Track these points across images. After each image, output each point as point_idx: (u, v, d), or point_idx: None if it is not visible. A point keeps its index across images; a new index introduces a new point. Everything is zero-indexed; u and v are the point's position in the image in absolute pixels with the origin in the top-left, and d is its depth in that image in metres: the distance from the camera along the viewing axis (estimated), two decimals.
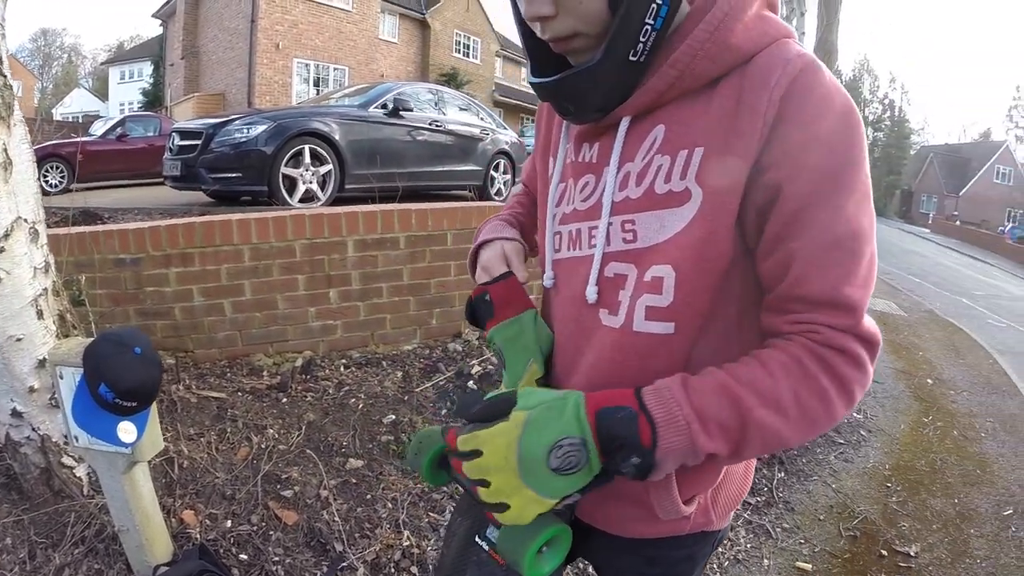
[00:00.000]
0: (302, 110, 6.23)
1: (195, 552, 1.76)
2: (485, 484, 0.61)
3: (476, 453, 0.61)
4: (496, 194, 8.33)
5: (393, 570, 1.88)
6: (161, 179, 6.45)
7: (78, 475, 1.89)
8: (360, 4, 20.43)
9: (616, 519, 0.82)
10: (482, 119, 8.42)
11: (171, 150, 5.99)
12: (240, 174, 5.46)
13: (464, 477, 0.64)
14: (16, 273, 1.77)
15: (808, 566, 2.50)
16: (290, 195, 5.68)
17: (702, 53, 0.64)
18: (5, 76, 1.75)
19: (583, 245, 0.76)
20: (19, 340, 1.76)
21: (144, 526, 1.64)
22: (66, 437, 1.81)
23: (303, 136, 5.77)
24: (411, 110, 7.06)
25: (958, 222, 32.68)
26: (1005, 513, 3.27)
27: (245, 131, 5.55)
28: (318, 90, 19.30)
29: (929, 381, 5.35)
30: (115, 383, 1.41)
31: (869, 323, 0.63)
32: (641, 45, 0.65)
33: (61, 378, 1.53)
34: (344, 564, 1.85)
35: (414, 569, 1.89)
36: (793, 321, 0.64)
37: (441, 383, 2.78)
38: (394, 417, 2.50)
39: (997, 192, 39.36)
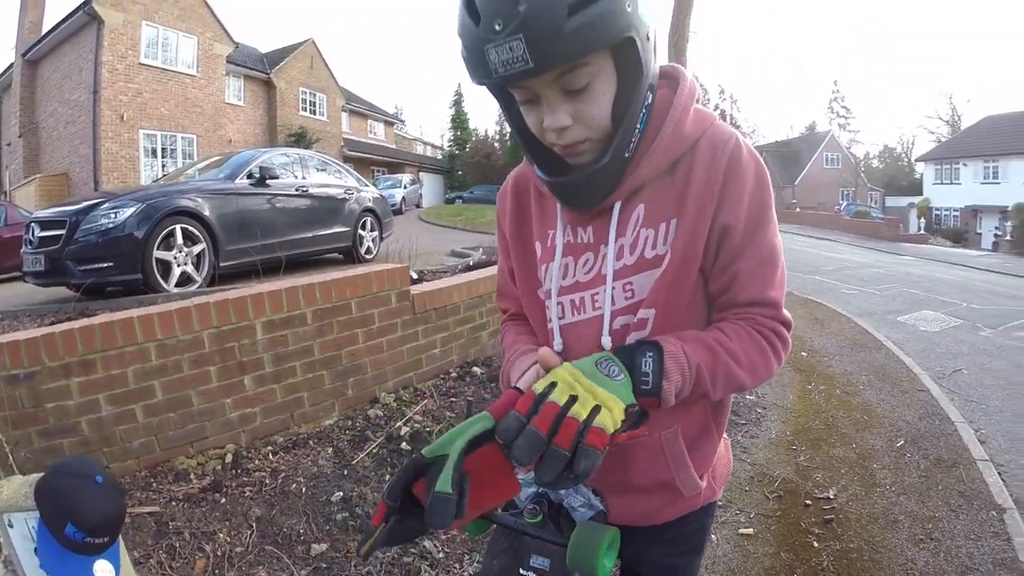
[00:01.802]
0: (167, 188, 5.94)
1: None
2: (572, 402, 0.72)
3: (551, 386, 0.74)
4: (366, 253, 8.25)
5: None
6: (8, 274, 5.85)
7: None
8: (205, 68, 19.68)
9: (646, 512, 0.98)
10: (344, 179, 8.35)
11: (31, 243, 5.46)
12: (111, 263, 5.08)
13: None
14: None
15: (750, 530, 2.81)
16: (165, 280, 5.36)
17: (670, 145, 0.87)
18: None
19: (587, 309, 0.94)
20: None
21: None
22: None
23: (173, 216, 5.48)
24: (277, 177, 6.92)
25: (798, 208, 36.04)
26: (898, 445, 3.80)
27: (112, 216, 5.16)
28: (163, 164, 18.27)
29: (804, 354, 5.93)
30: (84, 521, 1.27)
31: (786, 312, 0.91)
32: (632, 144, 0.85)
33: (11, 527, 1.34)
34: None
35: None
36: (736, 315, 0.90)
37: (375, 451, 2.76)
38: (341, 494, 2.46)
39: (828, 176, 44.04)
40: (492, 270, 4.35)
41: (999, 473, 3.42)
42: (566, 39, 0.71)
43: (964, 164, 33.40)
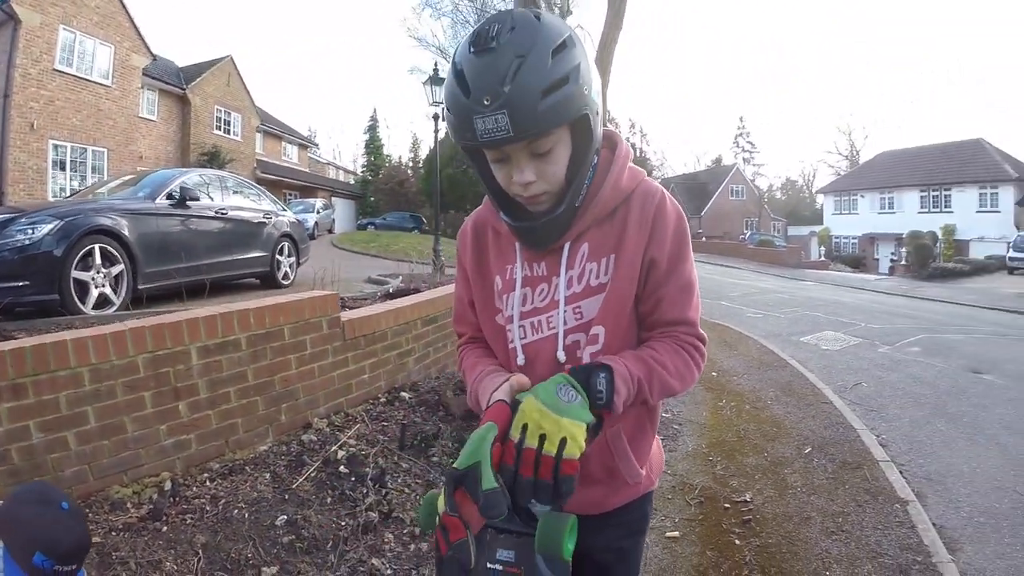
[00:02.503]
0: (84, 205, 5.67)
1: None
2: (542, 441, 0.89)
3: (523, 429, 0.90)
4: (283, 278, 8.16)
5: None
6: None
7: None
8: (120, 79, 18.64)
9: (595, 501, 1.16)
10: (261, 202, 8.22)
11: None
12: (28, 282, 4.78)
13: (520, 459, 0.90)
14: None
15: (676, 533, 3.05)
16: (82, 302, 5.11)
17: (610, 196, 1.09)
18: None
19: (544, 329, 1.13)
20: None
21: None
22: None
23: (92, 235, 5.25)
24: (197, 199, 6.74)
25: (704, 238, 37.90)
26: (806, 451, 4.14)
27: (29, 232, 4.89)
28: (71, 177, 17.23)
29: (714, 374, 6.34)
30: (52, 548, 1.25)
31: (701, 330, 1.12)
32: (581, 197, 1.07)
33: None
34: None
35: None
36: (662, 333, 1.10)
37: (313, 475, 2.77)
38: (285, 517, 2.46)
39: (733, 207, 46.60)
40: (417, 298, 4.41)
41: (900, 471, 3.80)
42: (539, 115, 0.92)
43: (862, 195, 36.29)
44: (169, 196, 6.40)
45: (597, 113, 1.01)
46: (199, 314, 2.88)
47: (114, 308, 5.39)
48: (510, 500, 0.91)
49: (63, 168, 17.25)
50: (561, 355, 1.10)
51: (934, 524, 3.12)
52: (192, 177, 7.09)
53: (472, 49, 0.94)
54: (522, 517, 1.09)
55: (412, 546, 2.49)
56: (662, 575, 2.66)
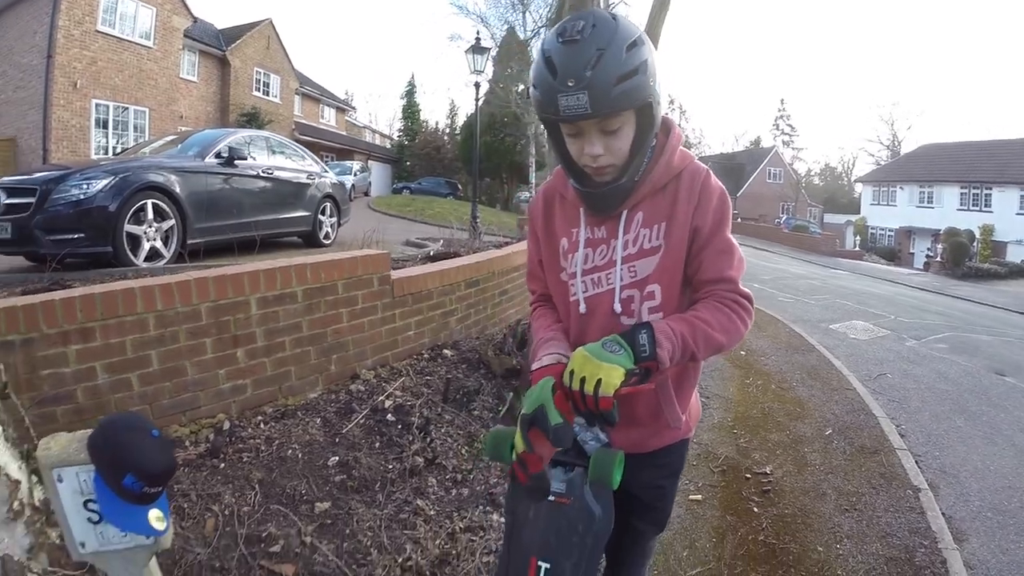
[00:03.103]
0: (139, 162, 5.89)
1: None
2: (584, 382, 1.10)
3: (571, 374, 1.11)
4: (324, 238, 8.33)
5: None
6: None
7: None
8: (162, 40, 19.03)
9: (640, 441, 1.36)
10: (306, 164, 8.39)
11: None
12: (83, 235, 5.03)
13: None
14: None
15: (699, 496, 3.22)
16: (134, 254, 5.37)
17: (663, 173, 1.28)
18: None
19: (603, 284, 1.32)
20: None
21: None
22: (30, 551, 1.65)
23: (145, 191, 5.48)
24: (245, 159, 6.94)
25: (739, 219, 37.43)
26: (826, 433, 4.26)
27: (85, 187, 5.12)
28: (114, 136, 17.66)
29: (743, 353, 6.42)
30: (143, 471, 1.33)
31: (744, 287, 1.27)
32: (640, 172, 1.26)
33: (60, 481, 1.38)
34: None
35: None
36: (705, 292, 1.27)
37: (362, 421, 2.94)
38: (337, 458, 2.64)
39: (771, 190, 45.79)
40: (460, 261, 4.56)
41: (916, 461, 3.90)
42: (612, 99, 1.11)
43: (901, 187, 35.41)
44: (218, 155, 6.61)
45: (659, 103, 1.19)
46: (260, 267, 3.04)
47: (164, 261, 5.63)
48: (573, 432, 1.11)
49: (104, 127, 17.67)
50: (617, 307, 1.29)
51: (943, 514, 3.23)
52: (240, 137, 7.28)
53: (560, 39, 1.12)
54: (576, 453, 1.27)
55: (454, 491, 2.67)
56: (685, 534, 2.82)
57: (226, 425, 2.82)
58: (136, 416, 1.47)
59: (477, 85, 13.07)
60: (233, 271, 2.98)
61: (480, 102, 13.95)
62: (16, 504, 1.64)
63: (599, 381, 1.09)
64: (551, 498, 1.26)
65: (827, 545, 2.84)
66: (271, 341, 3.07)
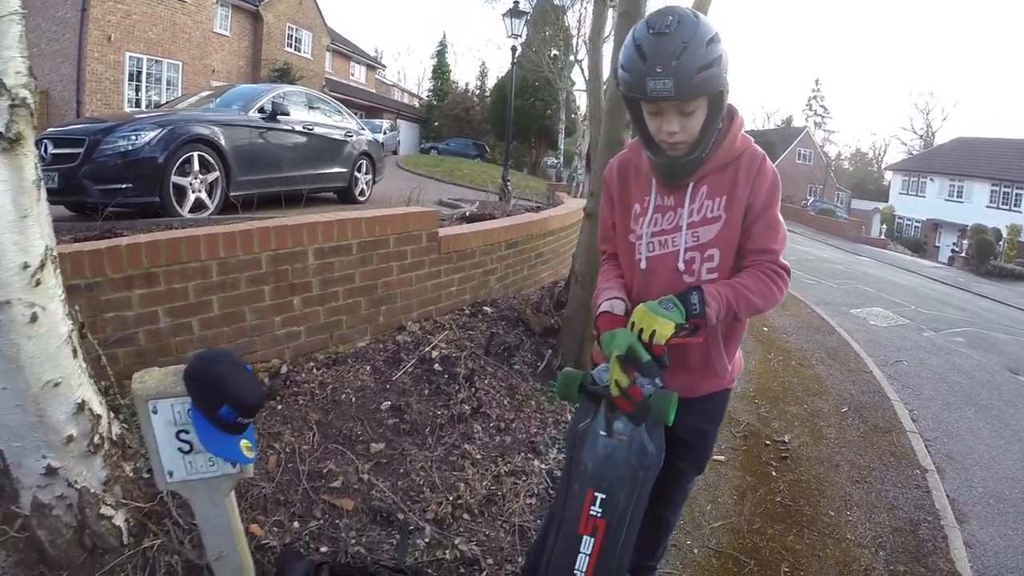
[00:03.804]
0: (186, 115, 5.98)
1: (291, 555, 1.86)
2: (642, 332, 1.34)
3: (632, 325, 1.36)
4: (360, 194, 8.38)
5: (451, 520, 2.29)
6: None
7: (116, 523, 1.77)
8: None
9: (690, 385, 1.55)
10: (344, 120, 8.42)
11: (43, 159, 5.25)
12: (131, 185, 5.10)
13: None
14: (51, 308, 1.61)
15: (722, 457, 3.41)
16: (179, 205, 5.45)
17: (726, 154, 1.46)
18: (34, 77, 1.61)
19: (668, 246, 1.52)
20: (56, 385, 1.61)
21: (241, 547, 1.65)
22: (106, 483, 1.75)
23: (191, 143, 5.56)
24: (288, 114, 7.00)
25: None
26: (842, 410, 4.43)
27: (133, 138, 5.19)
28: (146, 89, 17.81)
29: (765, 329, 6.56)
30: (239, 402, 1.41)
31: (784, 260, 1.47)
32: (707, 150, 1.45)
33: (155, 412, 1.46)
34: (412, 528, 2.20)
35: (465, 516, 2.33)
36: (749, 261, 1.47)
37: (410, 370, 3.12)
38: (389, 403, 2.82)
39: (799, 171, 44.92)
40: (501, 222, 4.69)
41: (925, 444, 4.06)
42: (693, 85, 1.30)
43: (931, 179, 34.79)
44: (261, 110, 6.69)
45: (728, 91, 1.38)
46: (318, 219, 3.17)
47: (208, 212, 5.74)
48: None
49: (138, 79, 17.80)
50: (680, 265, 1.50)
51: (948, 495, 3.39)
52: (282, 93, 7.35)
53: (651, 31, 1.31)
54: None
55: (497, 438, 2.87)
56: (708, 490, 3.01)
57: (283, 369, 2.98)
58: (229, 352, 1.54)
59: (514, 49, 13.06)
60: (293, 222, 3.09)
61: (510, 63, 13.90)
62: (96, 438, 1.72)
63: (653, 332, 1.32)
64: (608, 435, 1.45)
65: (838, 511, 3.03)
66: (325, 291, 3.21)
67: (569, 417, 3.22)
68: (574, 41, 21.09)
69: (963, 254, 25.77)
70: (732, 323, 1.54)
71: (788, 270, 1.48)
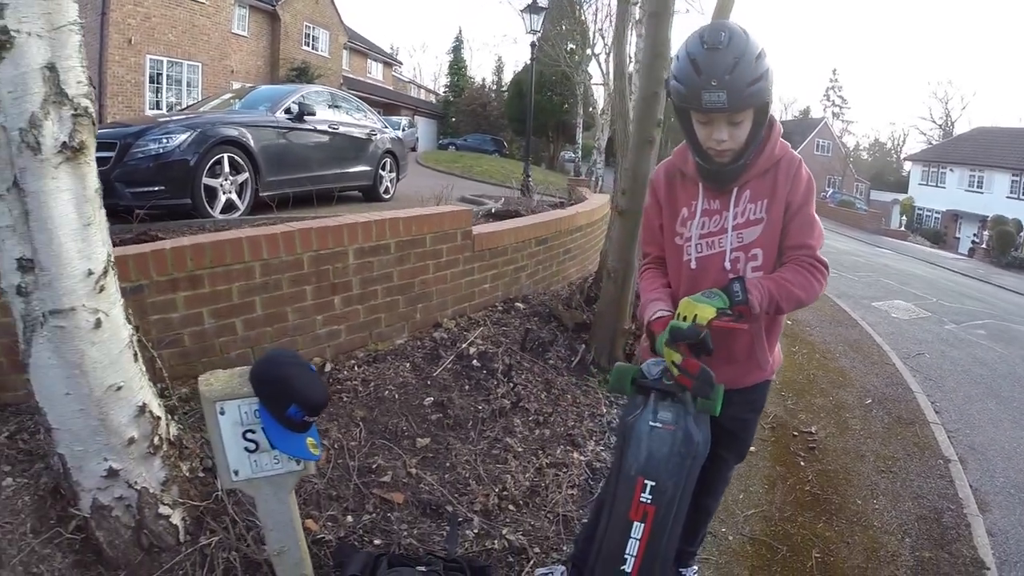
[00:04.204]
0: (213, 117, 6.07)
1: (348, 548, 1.93)
2: (686, 319, 1.46)
3: (679, 316, 1.49)
4: (384, 192, 8.47)
5: (498, 511, 2.39)
6: None
7: (174, 522, 1.82)
8: None
9: (734, 376, 1.65)
10: (368, 119, 8.48)
11: None
12: (163, 187, 5.18)
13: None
14: (113, 314, 1.66)
15: (752, 448, 3.42)
16: (211, 206, 5.53)
17: (766, 160, 1.58)
18: (93, 86, 1.63)
19: (715, 247, 1.64)
20: (119, 389, 1.65)
21: (301, 541, 1.69)
22: (164, 483, 1.79)
23: (221, 144, 5.64)
24: (314, 114, 7.07)
25: None
26: (866, 402, 4.51)
27: (164, 141, 5.27)
28: (167, 91, 18.04)
29: (789, 322, 6.59)
30: (306, 401, 1.46)
31: (822, 254, 1.58)
32: (750, 157, 1.55)
33: (222, 414, 1.51)
34: (461, 519, 2.29)
35: (511, 507, 2.44)
36: (788, 256, 1.59)
37: (449, 366, 3.21)
38: (432, 398, 2.92)
39: (818, 162, 44.36)
40: (532, 219, 4.76)
41: (948, 435, 4.12)
42: (744, 97, 1.42)
43: (951, 169, 34.32)
44: (287, 111, 6.79)
45: (771, 103, 1.50)
46: (358, 219, 3.24)
47: (239, 213, 5.82)
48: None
49: (158, 82, 18.02)
50: (727, 264, 1.62)
51: (970, 485, 3.46)
52: (307, 93, 7.44)
53: (704, 46, 1.42)
54: (680, 388, 1.56)
55: (536, 431, 2.97)
56: (740, 480, 3.10)
57: (327, 367, 3.04)
58: (293, 353, 1.63)
59: (533, 45, 13.12)
60: (334, 223, 3.15)
61: (529, 59, 13.99)
62: (156, 439, 1.76)
63: (695, 316, 1.44)
64: (659, 425, 1.56)
65: (865, 500, 3.12)
66: (365, 289, 3.28)
67: (604, 411, 3.34)
68: (591, 34, 21.02)
69: (983, 245, 25.49)
70: (773, 317, 1.65)
71: (826, 264, 1.60)
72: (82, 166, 1.57)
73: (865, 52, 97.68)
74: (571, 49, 24.25)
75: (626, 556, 1.55)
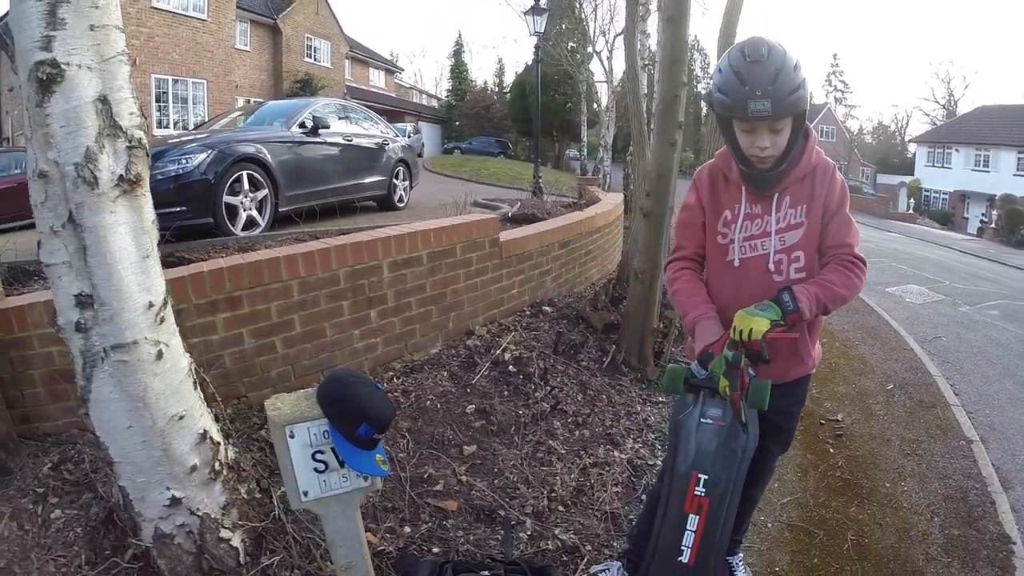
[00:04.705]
0: (230, 136, 6.05)
1: (410, 558, 1.98)
2: (740, 333, 1.55)
3: (734, 329, 1.56)
4: (399, 201, 8.48)
5: (548, 512, 2.49)
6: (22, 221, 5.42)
7: (234, 545, 1.82)
8: (215, 12, 19.48)
9: (781, 372, 1.76)
10: (380, 129, 8.52)
11: None
12: (185, 207, 5.18)
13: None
14: (173, 344, 1.65)
15: None
16: (232, 224, 5.51)
17: (804, 167, 1.69)
18: (144, 117, 1.62)
19: (758, 249, 1.74)
20: (181, 418, 1.64)
21: (366, 555, 1.71)
22: (225, 507, 1.80)
23: (240, 162, 5.63)
24: (328, 127, 7.10)
25: None
26: (888, 388, 4.63)
27: (184, 162, 5.28)
28: (174, 108, 18.22)
29: None
30: (376, 419, 1.49)
31: (860, 251, 1.68)
32: (789, 163, 1.66)
33: (292, 437, 1.51)
34: (514, 523, 2.37)
35: (560, 508, 2.54)
36: (830, 255, 1.69)
37: (486, 373, 3.29)
38: (474, 406, 3.01)
39: (823, 149, 44.25)
40: (554, 223, 4.82)
41: (969, 417, 4.23)
42: (786, 106, 1.53)
43: (956, 149, 34.14)
44: (302, 125, 6.80)
45: (807, 111, 1.60)
46: (391, 233, 3.29)
47: (260, 229, 5.80)
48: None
49: (162, 100, 18.17)
50: (771, 266, 1.72)
51: (992, 464, 3.58)
52: (320, 107, 7.47)
53: (747, 59, 1.53)
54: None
55: (576, 432, 3.06)
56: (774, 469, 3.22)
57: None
58: (356, 372, 1.67)
59: (538, 48, 13.19)
60: (368, 237, 3.19)
61: (532, 61, 14.09)
62: (216, 465, 1.76)
63: (750, 330, 1.53)
64: (709, 421, 1.67)
65: (893, 482, 3.24)
66: (399, 301, 3.31)
67: (638, 409, 3.45)
68: (591, 31, 21.08)
69: (992, 225, 25.39)
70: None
71: (864, 261, 1.71)
72: (139, 198, 1.57)
73: (865, 35, 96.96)
74: (572, 47, 24.33)
75: (682, 548, 1.65)
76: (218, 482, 1.77)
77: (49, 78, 1.40)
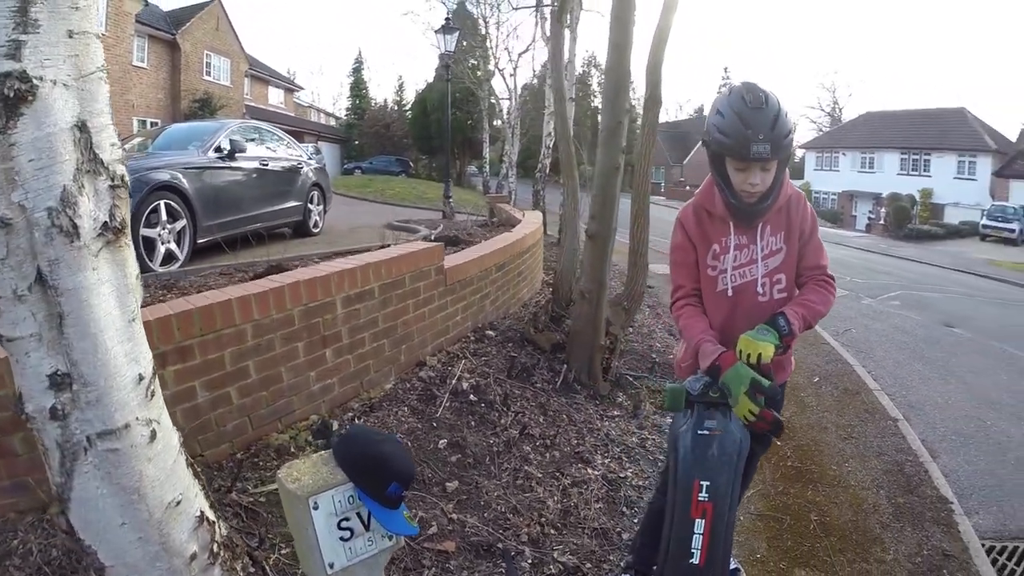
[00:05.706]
0: (145, 162, 5.55)
1: None
2: (750, 356, 1.70)
3: (741, 353, 1.73)
4: (314, 227, 8.24)
5: (542, 537, 2.52)
6: None
7: None
8: (114, 26, 18.47)
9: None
10: (294, 152, 8.22)
11: None
12: None
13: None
14: (164, 420, 1.42)
15: None
16: (150, 259, 5.07)
17: (782, 199, 1.88)
18: (123, 149, 1.36)
19: (748, 275, 1.92)
20: (178, 503, 1.41)
21: None
22: None
23: (157, 191, 5.22)
24: (244, 151, 6.71)
25: (687, 187, 38.60)
26: (815, 380, 5.10)
27: None
28: None
29: None
30: (404, 476, 1.44)
31: (831, 270, 1.94)
32: (774, 198, 1.83)
33: (316, 508, 1.41)
34: (514, 553, 2.38)
35: (552, 531, 2.58)
36: (807, 276, 1.93)
37: (447, 404, 3.23)
38: (445, 440, 2.94)
39: None
40: (488, 246, 4.80)
41: (890, 398, 4.72)
42: (782, 148, 1.71)
43: (844, 153, 37.07)
44: (218, 149, 6.39)
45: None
46: (345, 266, 3.16)
47: (178, 264, 5.36)
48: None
49: None
50: (760, 290, 1.91)
51: (919, 437, 4.04)
52: (235, 129, 7.08)
53: (749, 105, 1.70)
54: (722, 396, 1.79)
55: (547, 454, 3.11)
56: None
57: (335, 426, 2.88)
58: (372, 428, 1.64)
59: (447, 66, 13.24)
60: (322, 273, 3.04)
61: (433, 78, 14.20)
62: (215, 547, 1.56)
63: (760, 355, 1.68)
64: (706, 431, 1.78)
65: (838, 464, 3.60)
66: (353, 338, 3.18)
67: (599, 425, 3.56)
68: (492, 49, 21.31)
69: (880, 221, 27.55)
70: None
71: (834, 278, 1.93)
72: (123, 250, 1.30)
73: (752, 48, 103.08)
74: (473, 65, 24.56)
75: (692, 551, 1.75)
76: (216, 566, 1.55)
77: (18, 96, 1.08)
